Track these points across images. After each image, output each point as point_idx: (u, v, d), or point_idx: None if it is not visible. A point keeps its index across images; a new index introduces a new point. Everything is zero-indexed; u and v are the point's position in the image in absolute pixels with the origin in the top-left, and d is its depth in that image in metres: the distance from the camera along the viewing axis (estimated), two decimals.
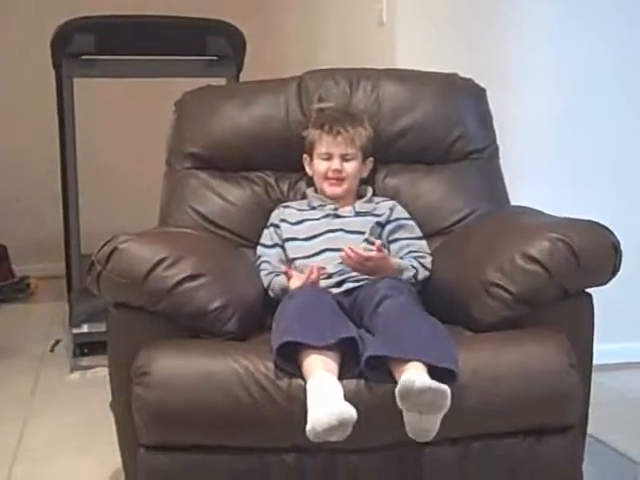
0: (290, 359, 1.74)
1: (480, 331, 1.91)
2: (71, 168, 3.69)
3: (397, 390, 1.63)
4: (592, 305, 1.96)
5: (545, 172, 3.12)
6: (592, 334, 1.96)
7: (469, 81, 2.45)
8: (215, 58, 3.72)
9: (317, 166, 2.28)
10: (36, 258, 4.78)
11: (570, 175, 3.15)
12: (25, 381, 3.15)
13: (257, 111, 2.40)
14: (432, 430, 1.66)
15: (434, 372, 1.68)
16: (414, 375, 1.63)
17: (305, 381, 1.71)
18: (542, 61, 3.10)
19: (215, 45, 3.65)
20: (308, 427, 1.63)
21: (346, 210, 2.27)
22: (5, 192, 4.82)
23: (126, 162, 4.77)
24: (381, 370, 1.72)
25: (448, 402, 1.63)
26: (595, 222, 1.95)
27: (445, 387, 1.63)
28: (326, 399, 1.65)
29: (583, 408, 1.90)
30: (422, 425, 1.66)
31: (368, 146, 2.29)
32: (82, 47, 3.48)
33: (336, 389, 1.67)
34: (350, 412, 1.63)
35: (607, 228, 1.94)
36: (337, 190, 2.26)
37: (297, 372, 1.73)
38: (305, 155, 2.33)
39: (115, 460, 2.01)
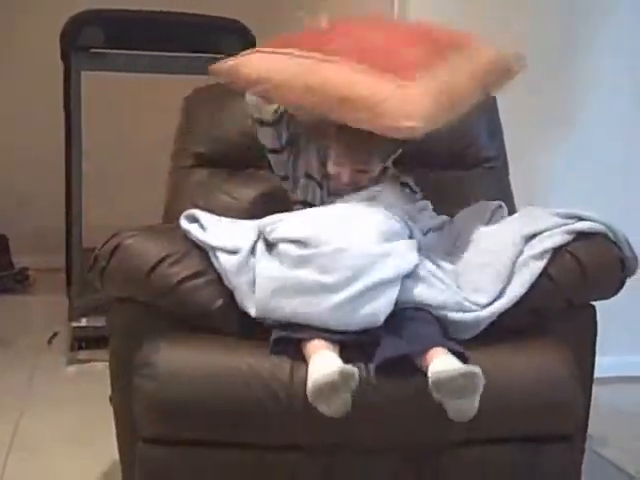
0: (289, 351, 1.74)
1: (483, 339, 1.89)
2: (76, 162, 3.66)
3: (430, 383, 1.63)
4: (595, 317, 1.96)
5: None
6: (594, 346, 1.96)
7: None
8: (224, 56, 3.71)
9: (330, 167, 2.11)
10: (35, 250, 4.75)
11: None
12: (22, 373, 3.14)
13: None
14: (470, 410, 1.64)
15: None
16: (441, 365, 1.63)
17: (306, 364, 1.70)
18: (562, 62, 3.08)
19: (224, 43, 3.62)
20: (308, 386, 1.62)
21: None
22: (8, 182, 4.80)
23: (129, 158, 4.76)
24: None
25: (482, 381, 1.62)
26: (604, 235, 1.92)
27: (474, 368, 1.62)
28: (328, 361, 1.65)
29: (582, 420, 1.90)
30: (460, 407, 1.64)
31: (387, 150, 2.13)
32: (91, 40, 3.46)
33: (337, 359, 1.67)
34: (353, 369, 1.62)
35: (616, 243, 1.92)
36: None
37: (296, 357, 1.72)
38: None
39: (111, 454, 2.01)
